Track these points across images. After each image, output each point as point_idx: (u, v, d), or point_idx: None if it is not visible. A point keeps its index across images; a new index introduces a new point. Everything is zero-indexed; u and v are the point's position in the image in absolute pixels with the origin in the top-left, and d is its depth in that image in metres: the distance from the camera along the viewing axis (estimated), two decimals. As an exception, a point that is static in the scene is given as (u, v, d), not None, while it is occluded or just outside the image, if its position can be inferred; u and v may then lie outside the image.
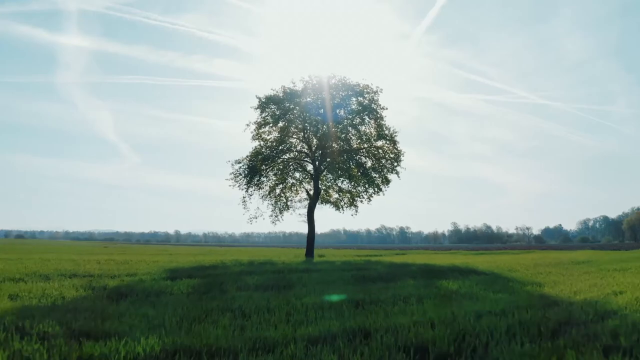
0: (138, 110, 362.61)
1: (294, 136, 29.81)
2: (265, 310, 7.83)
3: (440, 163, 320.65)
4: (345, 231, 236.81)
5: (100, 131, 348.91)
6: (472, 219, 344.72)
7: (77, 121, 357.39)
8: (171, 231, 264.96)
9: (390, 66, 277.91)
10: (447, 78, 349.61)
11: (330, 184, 31.43)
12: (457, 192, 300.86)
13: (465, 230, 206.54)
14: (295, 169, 30.90)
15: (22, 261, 19.95)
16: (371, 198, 29.86)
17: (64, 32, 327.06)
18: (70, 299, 9.32)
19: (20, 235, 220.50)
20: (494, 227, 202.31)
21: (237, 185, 29.32)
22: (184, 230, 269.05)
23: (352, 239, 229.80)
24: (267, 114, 29.11)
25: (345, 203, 31.08)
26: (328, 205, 31.54)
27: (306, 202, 30.32)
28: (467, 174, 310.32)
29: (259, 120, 29.23)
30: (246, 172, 29.13)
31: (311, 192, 29.85)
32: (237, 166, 29.35)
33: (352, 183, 30.24)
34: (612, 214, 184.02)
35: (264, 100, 28.93)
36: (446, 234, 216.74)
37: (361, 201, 30.37)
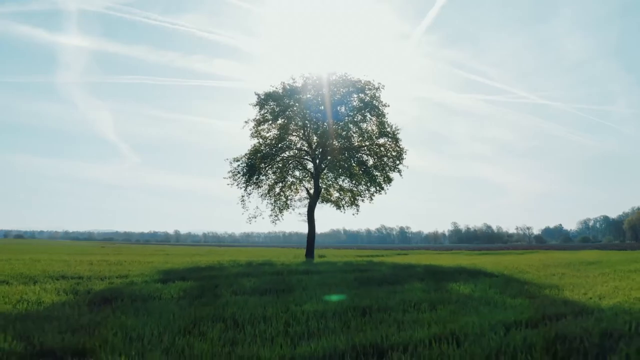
0: (138, 110, 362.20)
1: (293, 133, 28.99)
2: (261, 320, 7.00)
3: (440, 163, 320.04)
4: (345, 231, 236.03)
5: (100, 131, 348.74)
6: (472, 219, 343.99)
7: (77, 121, 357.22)
8: (171, 231, 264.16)
9: (390, 66, 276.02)
10: (447, 78, 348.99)
11: (330, 182, 30.73)
12: (457, 192, 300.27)
13: (466, 230, 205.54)
14: (295, 167, 30.14)
15: (10, 262, 19.18)
16: (373, 197, 29.17)
17: (64, 32, 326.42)
18: (47, 305, 8.50)
19: (19, 235, 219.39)
20: (494, 227, 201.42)
21: (236, 184, 28.63)
22: (183, 230, 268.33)
23: (352, 239, 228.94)
24: (266, 110, 28.30)
25: (346, 202, 30.36)
26: (329, 204, 30.85)
27: (306, 201, 29.61)
28: (467, 174, 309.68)
29: (257, 117, 28.49)
30: (245, 170, 28.35)
31: (311, 191, 29.08)
32: (235, 164, 28.65)
33: (353, 181, 29.54)
34: (612, 214, 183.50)
35: (263, 96, 28.14)
36: (446, 234, 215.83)
37: (362, 200, 29.70)
